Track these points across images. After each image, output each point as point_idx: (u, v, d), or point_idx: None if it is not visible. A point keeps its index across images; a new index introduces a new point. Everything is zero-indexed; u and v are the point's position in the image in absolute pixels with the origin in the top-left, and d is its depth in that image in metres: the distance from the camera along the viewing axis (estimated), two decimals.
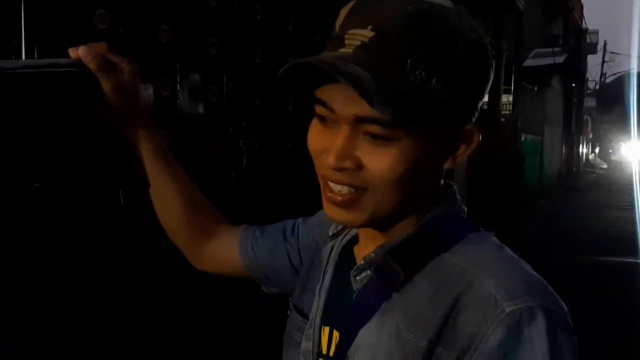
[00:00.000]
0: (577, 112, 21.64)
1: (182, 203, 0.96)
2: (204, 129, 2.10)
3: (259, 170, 2.36)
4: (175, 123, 1.93)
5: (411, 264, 0.70)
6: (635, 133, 35.68)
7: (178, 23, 1.92)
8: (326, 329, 0.78)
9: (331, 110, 0.66)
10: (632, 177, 22.22)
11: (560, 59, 11.92)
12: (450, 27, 0.64)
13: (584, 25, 20.59)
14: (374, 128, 0.64)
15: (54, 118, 0.82)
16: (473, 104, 0.69)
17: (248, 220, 1.03)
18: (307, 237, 0.93)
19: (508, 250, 0.71)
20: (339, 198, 0.68)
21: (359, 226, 0.73)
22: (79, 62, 0.82)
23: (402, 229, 0.73)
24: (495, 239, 0.73)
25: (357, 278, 0.74)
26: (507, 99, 9.40)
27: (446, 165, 0.71)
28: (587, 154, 33.00)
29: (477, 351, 0.62)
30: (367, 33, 0.63)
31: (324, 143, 0.68)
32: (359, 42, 0.63)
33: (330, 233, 0.85)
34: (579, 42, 18.70)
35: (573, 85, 18.66)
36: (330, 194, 0.69)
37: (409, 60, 0.62)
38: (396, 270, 0.70)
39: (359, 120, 0.64)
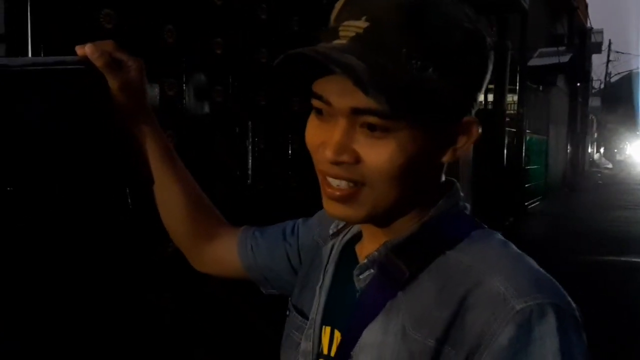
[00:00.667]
0: (582, 111, 21.56)
1: (185, 203, 0.96)
2: (209, 129, 2.10)
3: (264, 170, 2.36)
4: (181, 123, 1.94)
5: (416, 262, 0.69)
6: None
7: (183, 23, 1.93)
8: (327, 329, 0.77)
9: (327, 103, 0.65)
10: (638, 177, 22.13)
11: (565, 59, 11.89)
12: (445, 17, 0.63)
13: (588, 25, 20.55)
14: (370, 119, 0.63)
15: (60, 115, 0.83)
16: (471, 95, 0.68)
17: (252, 220, 1.03)
18: (307, 237, 0.92)
19: (513, 246, 0.70)
20: (338, 193, 0.67)
21: (359, 222, 0.72)
22: (85, 60, 0.82)
23: (405, 226, 0.72)
24: (500, 235, 0.72)
25: (360, 277, 0.73)
26: (511, 98, 9.39)
27: (446, 159, 0.69)
28: (592, 154, 32.90)
29: (487, 349, 0.61)
30: (361, 24, 0.63)
31: (321, 137, 0.67)
32: (353, 33, 0.63)
33: (331, 232, 0.84)
34: (583, 42, 18.64)
35: (578, 84, 18.58)
36: (329, 189, 0.68)
37: (403, 50, 0.61)
38: (401, 268, 0.69)
39: (355, 112, 0.63)
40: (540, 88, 12.73)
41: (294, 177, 2.51)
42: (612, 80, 39.10)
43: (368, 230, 0.76)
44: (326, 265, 0.83)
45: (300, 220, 0.96)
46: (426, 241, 0.70)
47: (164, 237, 1.01)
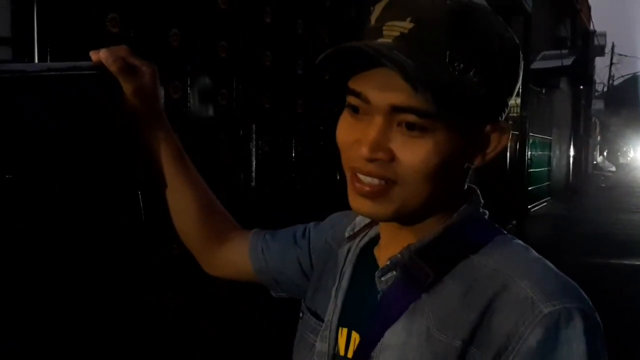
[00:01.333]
0: (585, 114, 21.54)
1: (197, 206, 0.97)
2: (214, 131, 2.11)
3: (267, 173, 2.37)
4: (185, 126, 1.94)
5: (440, 264, 0.69)
6: None
7: (188, 26, 1.94)
8: (344, 331, 0.77)
9: (366, 100, 0.66)
10: None
11: (568, 61, 11.86)
12: (487, 23, 0.66)
13: (591, 27, 20.51)
14: (410, 117, 0.64)
15: (75, 120, 0.84)
16: (505, 100, 0.70)
17: (256, 223, 1.04)
18: (319, 240, 0.92)
19: (534, 251, 0.72)
20: (367, 188, 0.67)
21: (385, 219, 0.72)
22: (100, 65, 0.83)
23: (428, 229, 0.72)
24: (520, 240, 0.73)
25: (382, 279, 0.73)
26: (514, 101, 9.36)
27: (476, 163, 0.71)
28: (595, 157, 32.83)
29: (514, 352, 0.62)
30: (406, 24, 0.64)
31: (355, 135, 0.67)
32: (397, 33, 0.64)
33: (347, 235, 0.85)
34: (586, 44, 18.62)
35: (581, 87, 18.57)
36: (358, 185, 0.68)
37: (448, 52, 0.63)
38: (425, 270, 0.69)
39: (394, 110, 0.64)
40: (543, 91, 12.71)
41: (297, 180, 2.52)
42: (616, 83, 39.02)
43: (388, 233, 0.77)
44: (342, 268, 0.83)
45: (311, 224, 0.97)
46: (450, 245, 0.71)
47: (169, 239, 1.02)
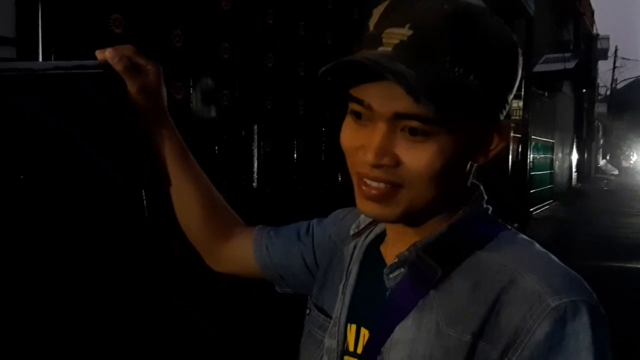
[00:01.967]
0: (588, 118, 21.54)
1: (202, 203, 0.98)
2: (216, 132, 2.12)
3: (269, 174, 2.37)
4: (188, 126, 1.95)
5: (447, 260, 0.71)
6: None
7: (191, 27, 1.95)
8: (352, 327, 0.79)
9: (369, 107, 0.67)
10: None
11: (570, 65, 11.85)
12: (485, 25, 0.66)
13: (595, 31, 20.47)
14: (413, 123, 0.65)
15: (80, 118, 0.85)
16: (505, 98, 0.71)
17: (258, 223, 1.04)
18: (323, 237, 0.94)
19: (539, 246, 0.73)
20: (374, 192, 0.68)
21: (392, 221, 0.74)
22: (105, 64, 0.85)
23: (434, 227, 0.74)
24: (524, 236, 0.75)
25: (391, 276, 0.74)
26: (517, 104, 9.37)
27: (480, 161, 0.73)
28: (598, 160, 32.79)
29: (523, 344, 0.64)
30: (405, 32, 0.64)
31: (360, 140, 0.69)
32: (397, 41, 0.65)
33: (352, 232, 0.86)
34: (589, 48, 18.56)
35: (584, 91, 18.57)
36: (365, 188, 0.69)
37: (447, 57, 0.63)
38: (433, 267, 0.70)
39: (397, 117, 0.65)
40: (546, 94, 12.71)
41: (299, 181, 2.53)
42: (619, 86, 38.97)
43: (395, 231, 0.78)
44: (349, 265, 0.84)
45: (314, 220, 0.98)
46: (456, 241, 0.73)
47: (171, 237, 1.02)
